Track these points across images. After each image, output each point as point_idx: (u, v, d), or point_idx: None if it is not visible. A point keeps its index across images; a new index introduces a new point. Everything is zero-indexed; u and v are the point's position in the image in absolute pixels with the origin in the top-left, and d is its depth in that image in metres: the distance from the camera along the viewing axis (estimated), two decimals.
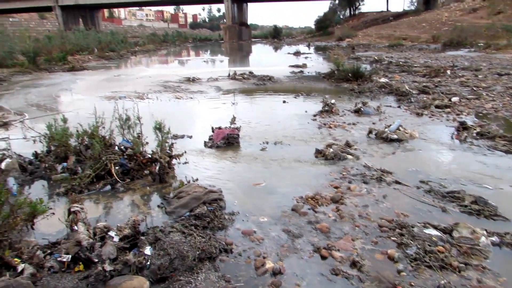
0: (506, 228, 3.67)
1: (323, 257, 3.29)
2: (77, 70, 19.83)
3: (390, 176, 4.98)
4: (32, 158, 5.58)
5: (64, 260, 3.07)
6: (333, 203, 4.30)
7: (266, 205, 4.30)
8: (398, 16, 54.72)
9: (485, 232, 3.50)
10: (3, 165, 5.05)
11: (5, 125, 8.12)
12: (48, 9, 65.71)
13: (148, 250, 3.23)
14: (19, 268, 2.84)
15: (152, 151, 5.23)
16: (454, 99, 9.66)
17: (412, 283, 2.91)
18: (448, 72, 14.67)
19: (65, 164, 5.26)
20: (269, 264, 3.17)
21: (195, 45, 59.15)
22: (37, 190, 4.80)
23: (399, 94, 10.68)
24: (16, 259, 2.89)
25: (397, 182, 4.80)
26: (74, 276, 2.97)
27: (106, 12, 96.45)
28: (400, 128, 6.79)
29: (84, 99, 11.26)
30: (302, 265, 3.20)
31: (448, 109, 8.77)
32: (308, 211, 4.13)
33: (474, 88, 11.30)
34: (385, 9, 67.10)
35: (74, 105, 10.09)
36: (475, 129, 6.89)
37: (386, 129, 6.73)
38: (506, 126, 7.43)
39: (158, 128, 5.04)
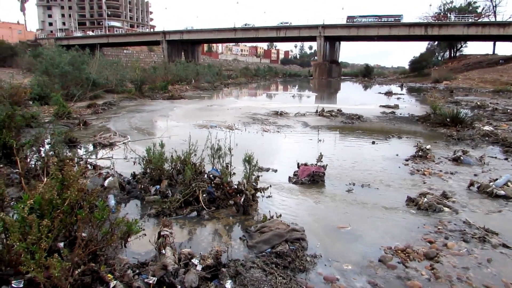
0: None
1: None
2: (175, 98, 21.63)
3: (496, 238, 4.38)
4: (130, 178, 6.06)
5: (150, 282, 3.17)
6: (426, 260, 3.90)
7: (351, 251, 4.07)
8: (507, 59, 50.25)
9: None
10: (106, 182, 5.55)
11: (111, 145, 9.05)
12: (157, 43, 74.00)
13: (229, 284, 3.22)
14: (111, 284, 2.99)
15: (239, 182, 5.34)
16: None
17: None
18: None
19: (158, 186, 5.60)
20: None
21: (284, 80, 61.00)
22: (131, 209, 5.13)
23: (506, 145, 9.58)
24: (109, 275, 3.07)
25: (505, 246, 4.20)
26: None
27: (205, 46, 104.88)
28: (509, 183, 6.03)
29: (178, 126, 12.14)
30: None
31: None
32: (398, 264, 3.79)
33: None
34: (491, 52, 62.16)
35: (169, 131, 10.90)
36: None
37: (492, 183, 6.02)
38: None
39: (248, 160, 5.15)
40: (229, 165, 5.56)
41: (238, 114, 15.16)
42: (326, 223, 4.79)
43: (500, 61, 50.01)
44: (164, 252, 3.54)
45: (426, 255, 3.96)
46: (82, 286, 2.93)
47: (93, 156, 7.76)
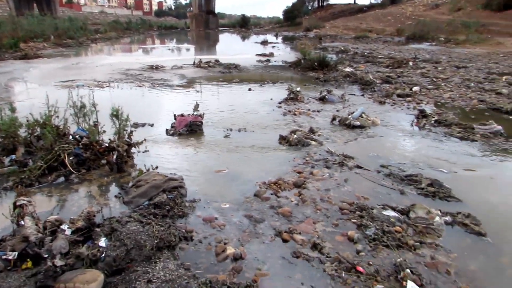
0: (458, 208, 3.82)
1: (285, 241, 3.27)
2: (30, 58, 18.60)
3: (352, 161, 5.04)
4: None
5: (10, 257, 2.83)
6: (295, 188, 4.29)
7: (229, 191, 4.23)
8: (369, 7, 55.79)
9: (439, 212, 3.61)
10: None
11: None
12: None
13: (103, 242, 3.06)
14: None
15: (110, 139, 5.00)
16: (415, 88, 9.94)
17: (371, 262, 2.95)
18: (410, 63, 15.11)
19: (13, 156, 4.89)
20: (230, 250, 3.11)
21: (160, 33, 57.64)
22: None
23: (363, 83, 10.88)
24: None
25: (359, 167, 4.87)
26: (21, 274, 2.74)
27: None
28: (363, 115, 6.90)
29: (37, 88, 10.60)
30: (263, 249, 3.16)
31: (409, 98, 9.01)
32: (271, 196, 4.10)
33: (434, 79, 11.68)
34: (353, 2, 68.09)
35: (27, 94, 9.53)
36: (433, 117, 7.10)
37: (349, 116, 6.82)
38: (462, 114, 7.72)
39: (115, 115, 4.81)
40: (97, 123, 5.13)
41: (109, 71, 13.94)
42: (204, 170, 4.86)
43: (364, 8, 55.21)
44: (23, 223, 3.17)
45: (295, 184, 4.36)
46: None
47: None
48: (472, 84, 10.75)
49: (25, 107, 6.21)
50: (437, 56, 18.36)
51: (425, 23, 31.68)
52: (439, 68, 14.10)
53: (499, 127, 6.31)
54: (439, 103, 8.64)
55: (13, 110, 5.25)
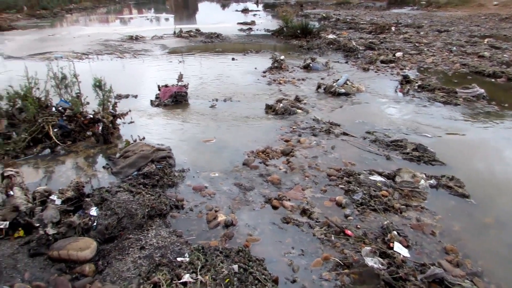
0: (443, 172, 3.94)
1: (275, 207, 3.34)
2: (4, 29, 17.71)
3: (338, 128, 5.09)
4: None
5: (2, 227, 2.87)
6: (283, 156, 4.34)
7: (217, 160, 4.25)
8: None
9: (424, 176, 3.72)
10: None
11: None
12: None
13: (94, 211, 3.10)
14: None
15: (94, 111, 4.92)
16: (398, 54, 9.96)
17: (359, 226, 3.05)
18: (393, 29, 15.03)
19: None
20: (221, 217, 3.16)
21: (137, 2, 55.44)
22: None
23: (346, 50, 10.82)
24: None
25: (345, 134, 4.93)
26: (14, 242, 2.80)
27: None
28: (348, 82, 6.91)
29: (14, 61, 10.21)
30: (254, 216, 3.23)
31: (393, 64, 9.04)
32: (259, 164, 4.13)
33: (416, 44, 11.70)
34: None
35: (4, 67, 9.16)
36: (417, 83, 7.17)
37: (334, 84, 6.82)
38: (445, 79, 7.82)
39: (98, 85, 4.70)
40: (79, 94, 5.01)
41: (87, 42, 13.43)
42: (192, 139, 4.85)
43: None
44: (12, 194, 3.15)
45: (283, 152, 4.40)
46: None
47: None
48: (454, 48, 10.83)
49: (3, 80, 5.98)
50: (419, 20, 18.29)
51: None
52: (421, 33, 14.10)
53: (482, 90, 6.43)
54: (422, 68, 8.71)
55: None
